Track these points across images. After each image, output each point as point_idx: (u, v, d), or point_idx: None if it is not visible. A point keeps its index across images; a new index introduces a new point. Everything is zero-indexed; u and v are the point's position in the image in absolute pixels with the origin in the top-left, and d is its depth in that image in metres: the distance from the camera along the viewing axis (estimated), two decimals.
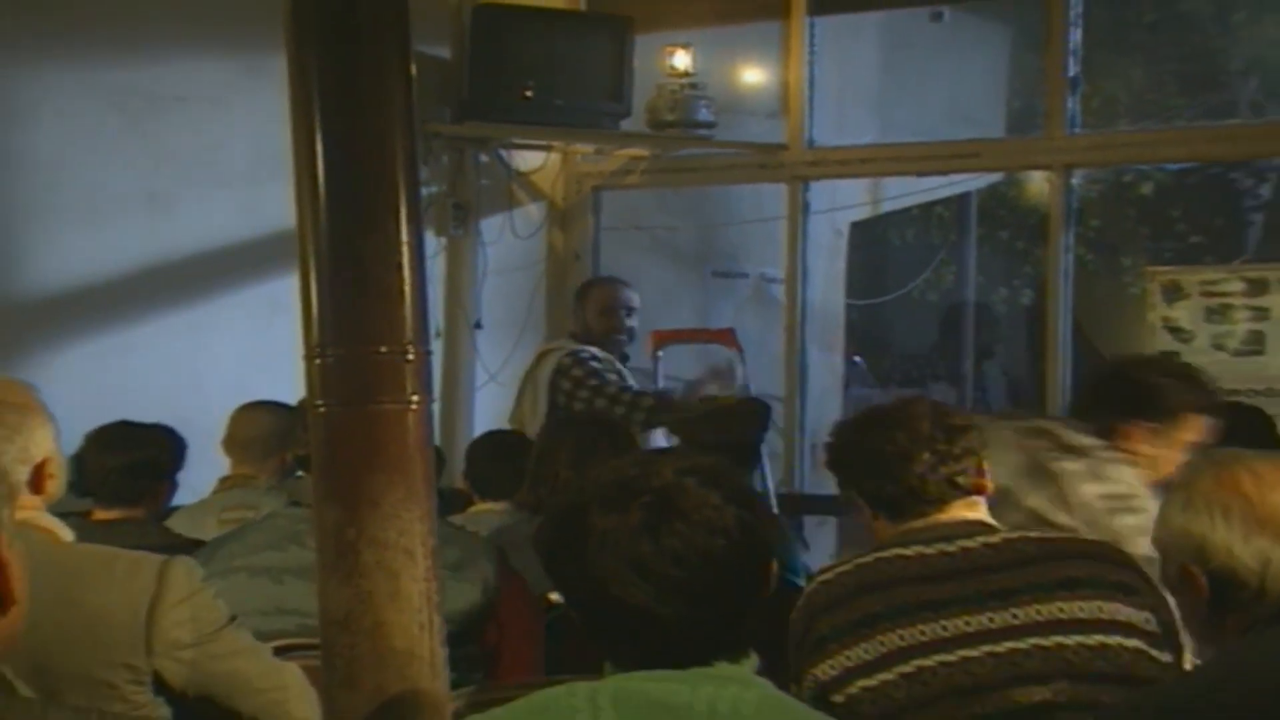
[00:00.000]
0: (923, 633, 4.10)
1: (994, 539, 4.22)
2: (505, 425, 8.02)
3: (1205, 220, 15.41)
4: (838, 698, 4.10)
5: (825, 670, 4.14)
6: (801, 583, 5.97)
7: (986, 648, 4.07)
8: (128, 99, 8.24)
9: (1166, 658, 4.05)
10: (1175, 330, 8.61)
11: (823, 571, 4.40)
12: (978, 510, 4.33)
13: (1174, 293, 8.72)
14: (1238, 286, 8.61)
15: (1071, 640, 4.06)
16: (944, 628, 4.10)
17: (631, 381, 8.84)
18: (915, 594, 4.15)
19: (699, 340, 10.15)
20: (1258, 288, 8.56)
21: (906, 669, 4.08)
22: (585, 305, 9.14)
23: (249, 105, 8.01)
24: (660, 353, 9.68)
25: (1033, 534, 4.30)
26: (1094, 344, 11.93)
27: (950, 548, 4.21)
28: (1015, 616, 4.08)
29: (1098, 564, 4.18)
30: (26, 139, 7.92)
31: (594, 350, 8.85)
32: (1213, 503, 3.07)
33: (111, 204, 8.16)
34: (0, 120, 7.84)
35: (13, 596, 2.44)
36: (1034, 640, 4.06)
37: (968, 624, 4.09)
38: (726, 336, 9.90)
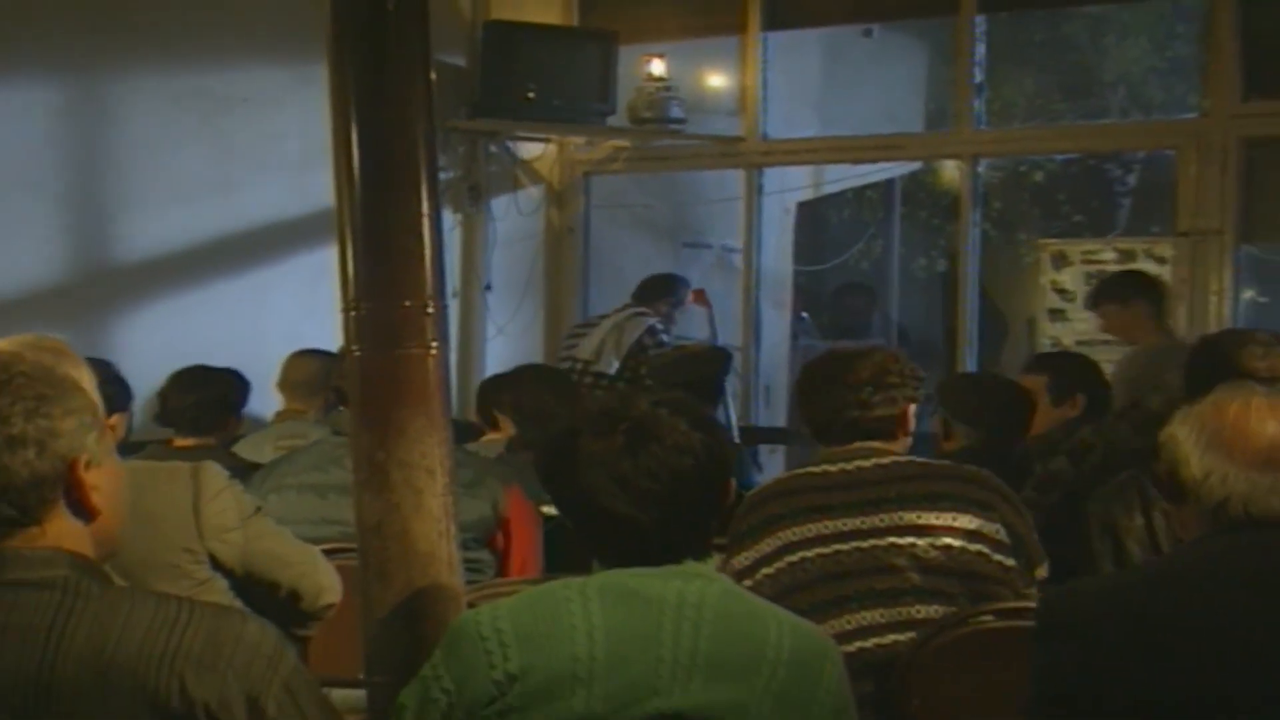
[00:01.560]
0: (810, 530, 4.27)
1: (885, 461, 4.36)
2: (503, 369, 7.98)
3: (1085, 202, 15.47)
4: (748, 582, 4.21)
5: (740, 560, 4.32)
6: None
7: (855, 543, 4.24)
8: (201, 100, 8.22)
9: (1010, 562, 4.25)
10: (1061, 291, 8.65)
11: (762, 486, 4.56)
12: (891, 445, 4.43)
13: (1060, 261, 8.75)
14: (1111, 256, 8.67)
15: (923, 541, 4.22)
16: (826, 527, 4.27)
17: None
18: (810, 500, 4.31)
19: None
20: (1127, 257, 8.60)
21: (794, 558, 4.26)
22: (673, 300, 9.46)
23: (299, 105, 7.94)
24: None
25: (918, 459, 4.44)
26: (996, 303, 11.92)
27: (849, 466, 4.35)
28: (882, 520, 4.25)
29: (963, 484, 4.34)
30: (119, 134, 7.90)
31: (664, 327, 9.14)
32: (1199, 419, 3.03)
33: (188, 187, 8.13)
34: (97, 119, 7.84)
35: (95, 509, 2.44)
36: (891, 539, 4.22)
37: (844, 525, 4.25)
38: (700, 296, 9.90)
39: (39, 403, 2.38)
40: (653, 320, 9.06)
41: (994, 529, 4.25)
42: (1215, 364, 4.78)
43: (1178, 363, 5.64)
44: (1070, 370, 6.61)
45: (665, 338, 9.02)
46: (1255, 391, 3.12)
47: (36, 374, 2.42)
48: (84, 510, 2.44)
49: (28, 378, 2.40)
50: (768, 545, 4.28)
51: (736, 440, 8.54)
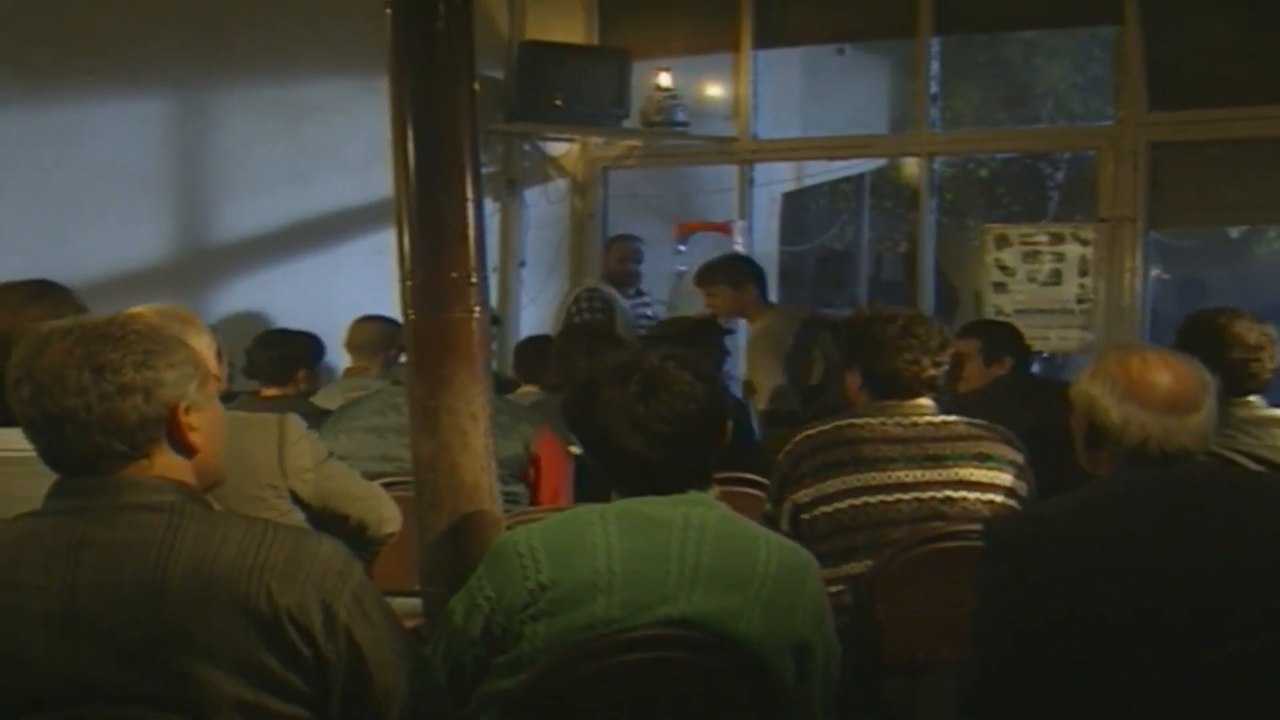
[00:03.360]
0: (873, 478, 4.10)
1: (935, 419, 4.20)
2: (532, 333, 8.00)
3: (1021, 194, 15.57)
4: (805, 516, 4.13)
5: (801, 496, 4.15)
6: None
7: (914, 494, 4.09)
8: (282, 108, 8.22)
9: None
10: (1003, 268, 8.61)
11: (811, 427, 4.30)
12: (930, 402, 4.25)
13: (1002, 243, 8.70)
14: (1044, 238, 8.61)
15: (971, 496, 4.09)
16: (889, 477, 4.10)
17: (620, 311, 8.73)
18: (874, 450, 4.13)
19: (709, 230, 9.88)
20: (1057, 239, 8.56)
21: (856, 502, 4.10)
22: (609, 255, 9.20)
23: (364, 112, 7.87)
24: (684, 243, 9.60)
25: (962, 419, 4.24)
26: (949, 278, 11.90)
27: (905, 421, 4.17)
28: (939, 475, 4.10)
29: (1002, 445, 4.19)
30: (215, 137, 7.90)
31: (605, 290, 8.84)
32: (1108, 375, 3.06)
33: (271, 181, 8.14)
34: (199, 124, 7.87)
35: (193, 447, 2.46)
36: (947, 492, 4.09)
37: (906, 476, 4.10)
38: (728, 228, 9.64)
39: (146, 356, 2.38)
40: (588, 288, 8.89)
41: (1023, 487, 4.14)
42: (1207, 334, 4.79)
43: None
44: (1000, 335, 6.58)
45: (588, 304, 8.73)
46: (1143, 348, 3.17)
47: (147, 332, 2.42)
48: (183, 448, 2.44)
49: (139, 335, 2.40)
50: (831, 487, 4.11)
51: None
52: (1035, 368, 7.80)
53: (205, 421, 2.48)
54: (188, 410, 2.43)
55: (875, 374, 4.25)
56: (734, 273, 7.91)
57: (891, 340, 4.20)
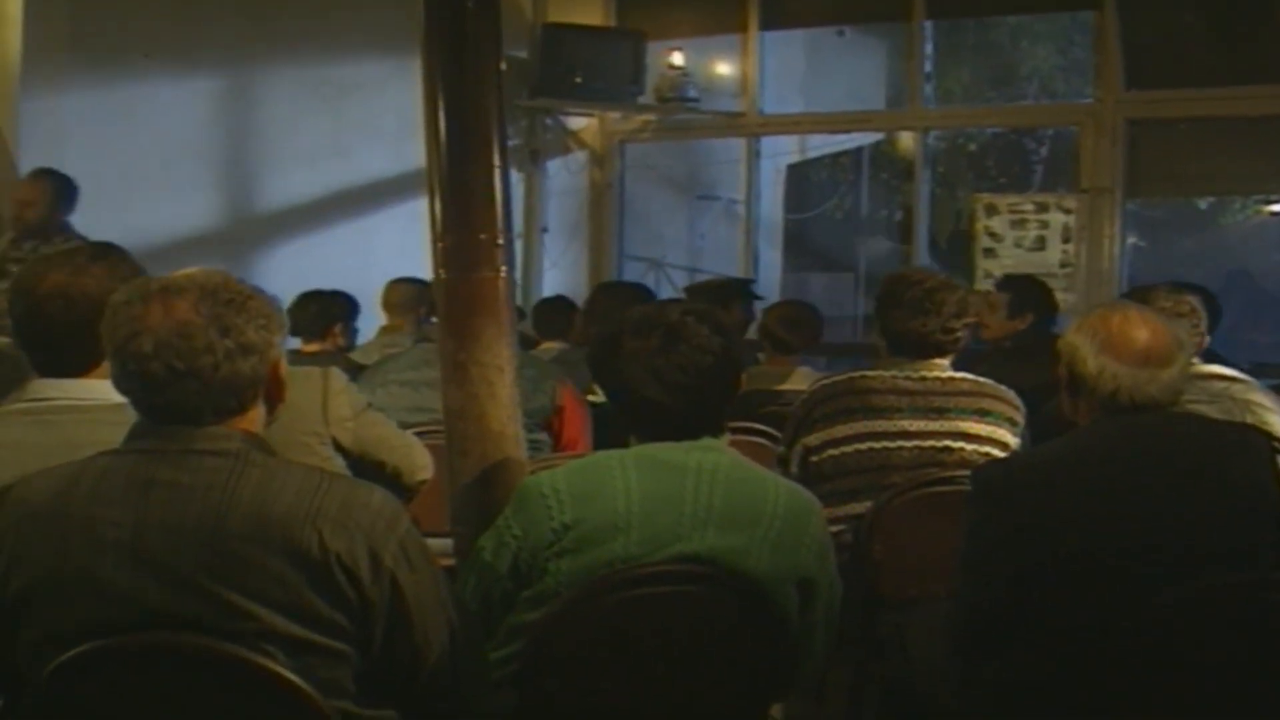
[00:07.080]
0: (879, 426, 4.11)
1: (943, 375, 4.18)
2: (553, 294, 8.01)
3: (1008, 166, 15.54)
4: (814, 458, 4.15)
5: (812, 440, 4.17)
6: None
7: (915, 442, 4.09)
8: (323, 87, 8.27)
9: None
10: (992, 235, 8.62)
11: (827, 378, 4.33)
12: (946, 359, 4.22)
13: (991, 211, 8.70)
14: (1030, 207, 8.62)
15: (969, 447, 4.09)
16: (894, 425, 4.10)
17: None
18: (883, 400, 4.12)
19: None
20: (1041, 208, 8.57)
21: (862, 446, 4.11)
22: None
23: (398, 89, 7.84)
24: None
25: (969, 376, 4.22)
26: (940, 244, 11.90)
27: (915, 375, 4.15)
28: (941, 425, 4.09)
29: (1003, 403, 4.18)
30: (261, 113, 7.98)
31: None
32: (1091, 328, 3.06)
33: (313, 153, 8.19)
34: (246, 102, 7.96)
35: (283, 398, 2.50)
36: (946, 442, 4.08)
37: (910, 425, 4.10)
38: None
39: (266, 320, 2.42)
40: None
41: (1017, 442, 4.14)
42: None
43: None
44: (1029, 291, 6.53)
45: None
46: (1128, 306, 3.17)
47: (254, 295, 2.44)
48: (277, 399, 2.49)
49: (252, 299, 2.42)
50: (839, 431, 4.12)
51: None
52: None
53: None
54: (280, 362, 2.47)
55: (891, 332, 4.22)
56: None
57: (910, 303, 4.16)
